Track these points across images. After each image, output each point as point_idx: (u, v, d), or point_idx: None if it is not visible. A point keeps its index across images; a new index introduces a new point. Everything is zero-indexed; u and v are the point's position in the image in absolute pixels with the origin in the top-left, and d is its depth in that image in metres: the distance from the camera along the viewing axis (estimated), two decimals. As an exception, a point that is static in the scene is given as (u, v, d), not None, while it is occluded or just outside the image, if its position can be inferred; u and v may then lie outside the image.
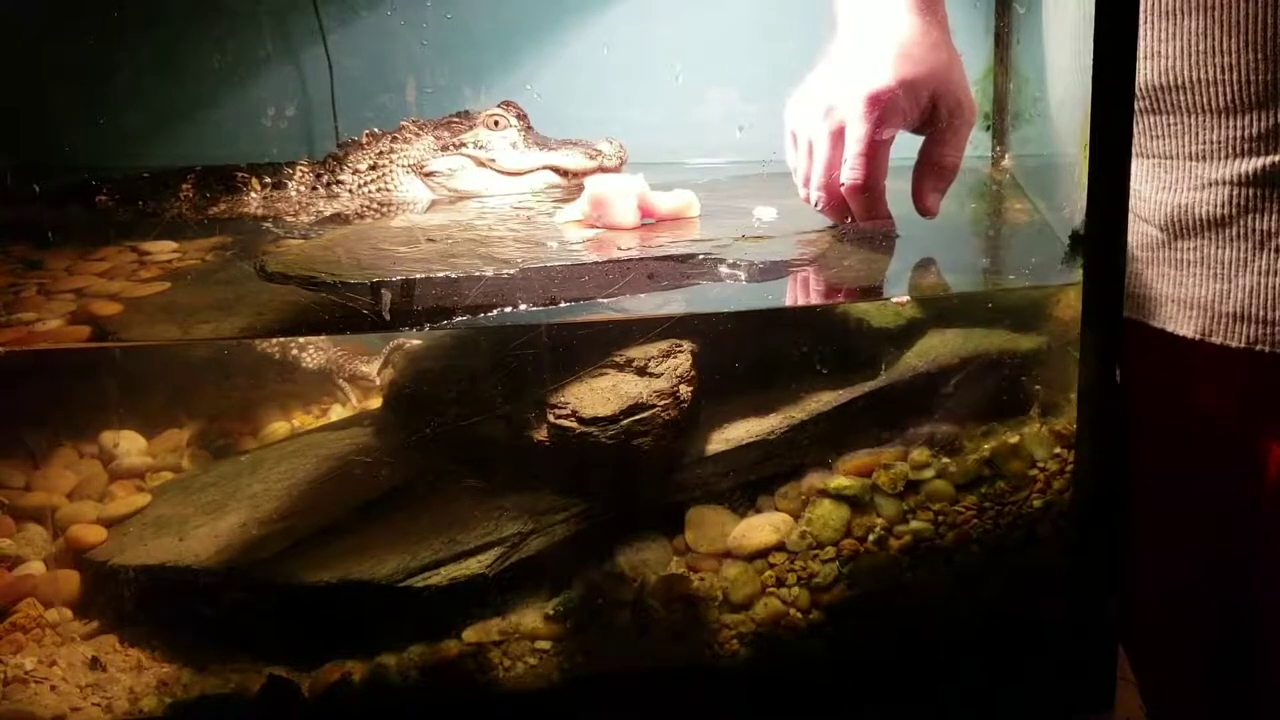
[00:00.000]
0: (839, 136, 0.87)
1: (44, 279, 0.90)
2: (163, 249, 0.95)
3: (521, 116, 1.06)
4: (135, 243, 0.96)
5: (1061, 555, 0.84)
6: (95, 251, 0.94)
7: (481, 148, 1.05)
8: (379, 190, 1.05)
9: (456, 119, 1.06)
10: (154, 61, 1.04)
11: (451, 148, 1.05)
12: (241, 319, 0.82)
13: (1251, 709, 0.95)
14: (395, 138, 1.06)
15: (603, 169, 1.04)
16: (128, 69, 1.03)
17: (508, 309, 0.78)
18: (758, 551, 0.83)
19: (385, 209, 1.04)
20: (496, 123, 1.05)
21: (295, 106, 1.05)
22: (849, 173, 0.87)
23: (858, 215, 0.90)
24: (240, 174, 1.06)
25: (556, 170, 1.05)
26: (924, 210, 0.90)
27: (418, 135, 1.06)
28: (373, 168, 1.05)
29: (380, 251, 0.86)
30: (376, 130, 1.06)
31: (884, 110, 0.85)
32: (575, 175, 1.05)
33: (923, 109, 0.87)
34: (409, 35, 1.04)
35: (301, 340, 1.05)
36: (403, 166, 1.05)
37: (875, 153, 0.86)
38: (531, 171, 1.05)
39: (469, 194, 1.06)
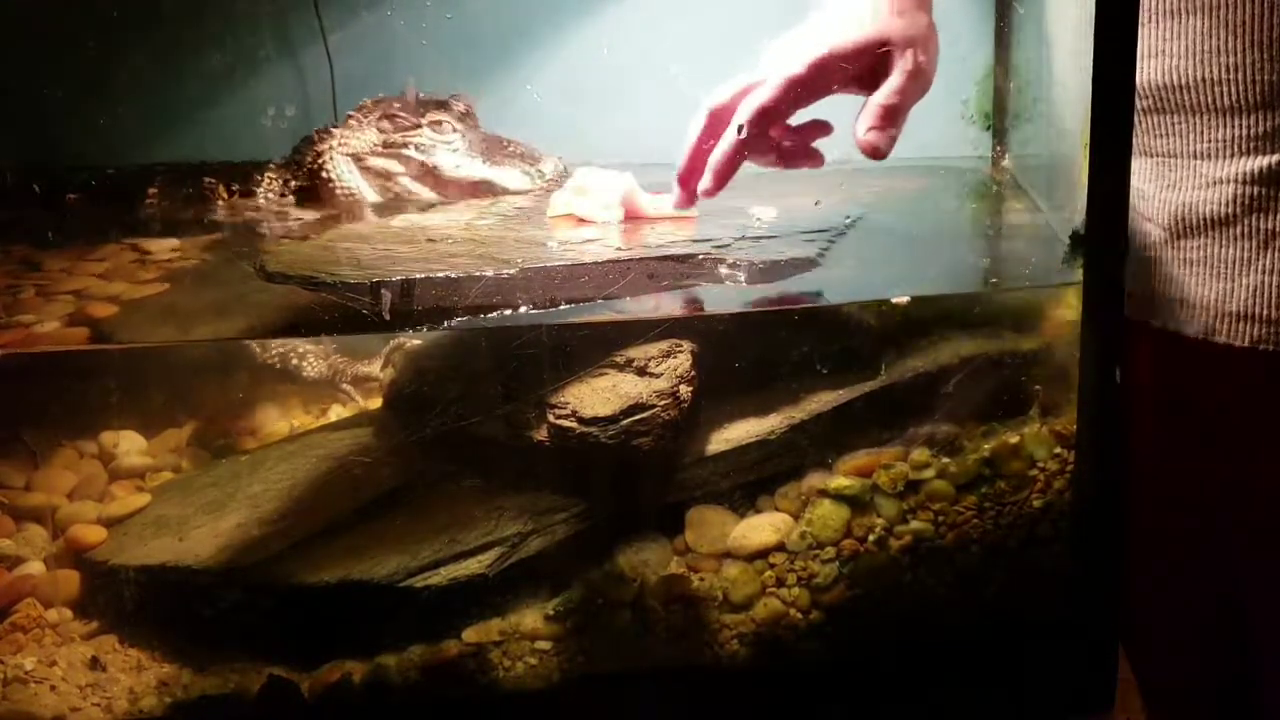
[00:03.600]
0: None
1: (41, 280, 0.90)
2: (162, 247, 0.95)
3: (466, 115, 1.01)
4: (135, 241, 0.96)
5: (1061, 555, 0.84)
6: (94, 251, 0.95)
7: (422, 151, 1.01)
8: (324, 184, 1.01)
9: (400, 111, 1.01)
10: (154, 62, 1.04)
11: (394, 146, 1.01)
12: (241, 320, 0.82)
13: (1251, 709, 0.95)
14: (342, 126, 1.02)
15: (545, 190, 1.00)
16: (128, 69, 1.03)
17: (507, 310, 0.78)
18: (758, 551, 0.83)
19: (329, 204, 1.01)
20: (439, 124, 1.01)
21: (295, 106, 1.05)
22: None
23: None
24: (208, 180, 1.03)
25: (492, 187, 1.02)
26: (865, 146, 0.84)
27: (360, 124, 1.01)
28: (316, 157, 1.02)
29: (380, 251, 0.86)
30: (331, 128, 1.04)
31: (819, 65, 0.83)
32: (513, 194, 1.01)
33: (870, 69, 0.85)
34: (409, 35, 1.04)
35: (301, 349, 1.05)
36: (343, 155, 1.02)
37: (782, 98, 0.83)
38: (469, 182, 1.02)
39: (412, 198, 1.03)
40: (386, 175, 1.02)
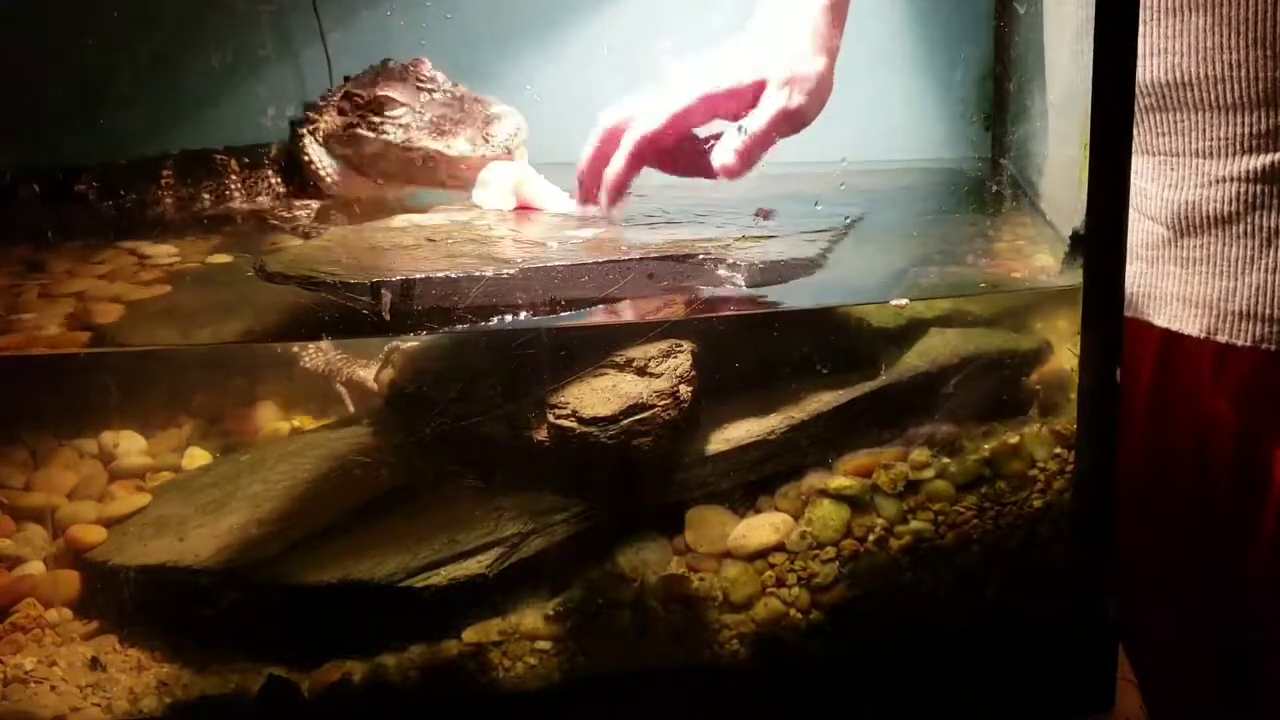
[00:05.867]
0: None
1: (45, 281, 0.90)
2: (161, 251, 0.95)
3: (426, 80, 0.97)
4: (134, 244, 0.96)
5: (1061, 555, 0.84)
6: (94, 255, 0.95)
7: (374, 129, 0.97)
8: (308, 168, 0.99)
9: (357, 90, 0.98)
10: (154, 61, 1.04)
11: (351, 128, 0.98)
12: (241, 321, 0.82)
13: (1252, 709, 0.95)
14: (313, 107, 1.00)
15: (488, 158, 0.97)
16: (127, 69, 1.03)
17: (508, 317, 0.79)
18: (758, 551, 0.83)
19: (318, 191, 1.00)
20: (386, 101, 0.97)
21: (295, 106, 1.05)
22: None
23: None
24: (218, 157, 1.03)
25: (440, 156, 0.97)
26: (721, 169, 0.90)
27: (328, 106, 0.99)
28: (298, 140, 1.00)
29: (380, 251, 0.86)
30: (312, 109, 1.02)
31: (704, 102, 0.89)
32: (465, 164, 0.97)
33: (747, 107, 0.90)
34: (409, 35, 1.04)
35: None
36: (316, 141, 1.00)
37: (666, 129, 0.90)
38: (419, 158, 0.97)
39: (384, 180, 1.01)
40: (352, 159, 1.00)
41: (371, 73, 1.00)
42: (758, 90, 0.89)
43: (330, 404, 1.06)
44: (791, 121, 0.89)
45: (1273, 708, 0.93)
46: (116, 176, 1.03)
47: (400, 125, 0.97)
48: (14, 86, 1.01)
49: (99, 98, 1.02)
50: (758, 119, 0.88)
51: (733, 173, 0.89)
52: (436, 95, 0.98)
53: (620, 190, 0.92)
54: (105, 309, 0.85)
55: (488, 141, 0.96)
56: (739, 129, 0.89)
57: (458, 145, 0.96)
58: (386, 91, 0.97)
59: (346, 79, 1.01)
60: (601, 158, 0.93)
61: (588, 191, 0.94)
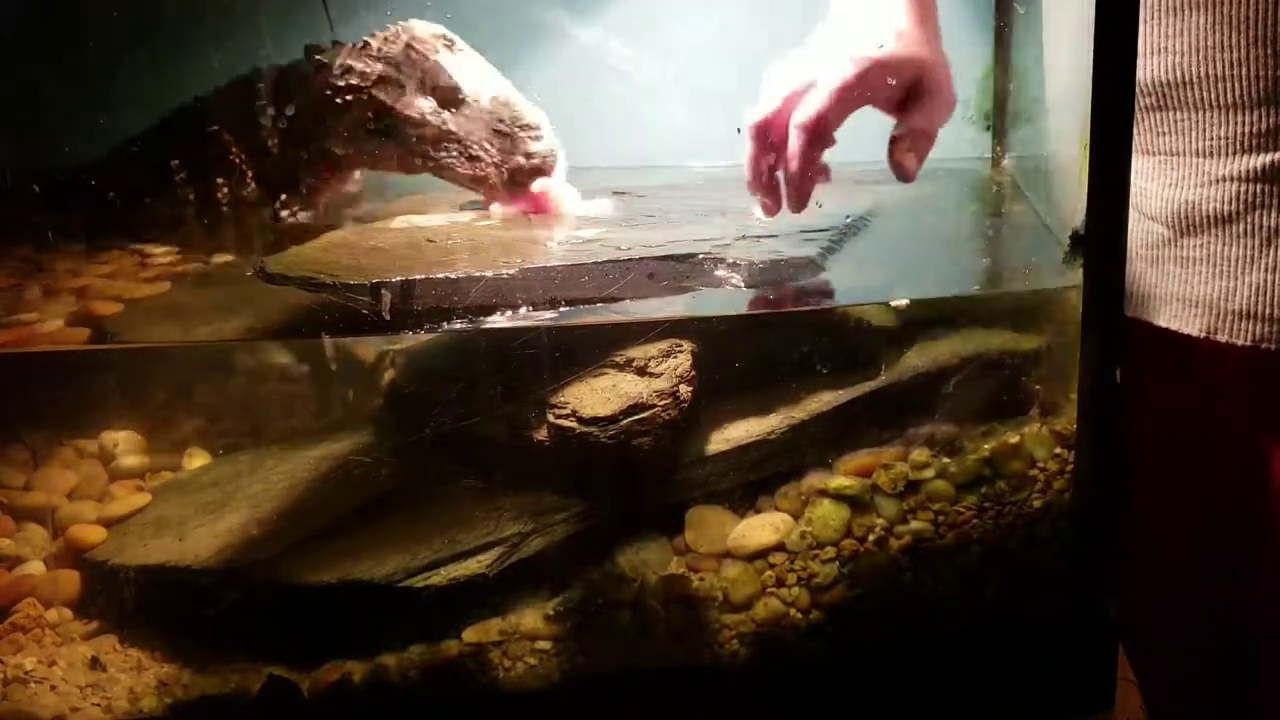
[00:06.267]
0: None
1: (44, 282, 0.90)
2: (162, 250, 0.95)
3: (451, 92, 0.89)
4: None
5: (1061, 555, 0.84)
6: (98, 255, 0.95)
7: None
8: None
9: (383, 94, 0.89)
10: (153, 61, 1.04)
11: (373, 132, 0.92)
12: (242, 320, 0.82)
13: (1251, 709, 0.95)
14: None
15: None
16: (127, 69, 1.03)
17: (507, 312, 0.79)
18: (758, 551, 0.83)
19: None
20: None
21: (295, 107, 1.04)
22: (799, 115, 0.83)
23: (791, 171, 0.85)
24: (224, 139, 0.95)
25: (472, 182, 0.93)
26: (902, 170, 0.87)
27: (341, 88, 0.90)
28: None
29: (380, 252, 0.86)
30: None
31: (866, 72, 0.83)
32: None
33: (905, 88, 0.87)
34: (409, 35, 1.04)
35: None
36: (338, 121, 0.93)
37: (835, 106, 0.83)
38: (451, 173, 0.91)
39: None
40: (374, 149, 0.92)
41: (389, 67, 0.90)
42: (918, 68, 0.86)
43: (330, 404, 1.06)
44: (949, 109, 0.88)
45: (1273, 708, 0.93)
46: (120, 170, 1.02)
47: (428, 148, 0.90)
48: (14, 85, 1.01)
49: (99, 98, 1.02)
50: (926, 114, 0.86)
51: (912, 174, 0.87)
52: (464, 109, 0.91)
53: (809, 183, 0.85)
54: (105, 306, 0.85)
55: (526, 179, 0.93)
56: (904, 129, 0.86)
57: (491, 175, 0.92)
58: (411, 111, 0.88)
59: (363, 45, 0.91)
60: (761, 164, 0.87)
61: (770, 202, 0.89)
